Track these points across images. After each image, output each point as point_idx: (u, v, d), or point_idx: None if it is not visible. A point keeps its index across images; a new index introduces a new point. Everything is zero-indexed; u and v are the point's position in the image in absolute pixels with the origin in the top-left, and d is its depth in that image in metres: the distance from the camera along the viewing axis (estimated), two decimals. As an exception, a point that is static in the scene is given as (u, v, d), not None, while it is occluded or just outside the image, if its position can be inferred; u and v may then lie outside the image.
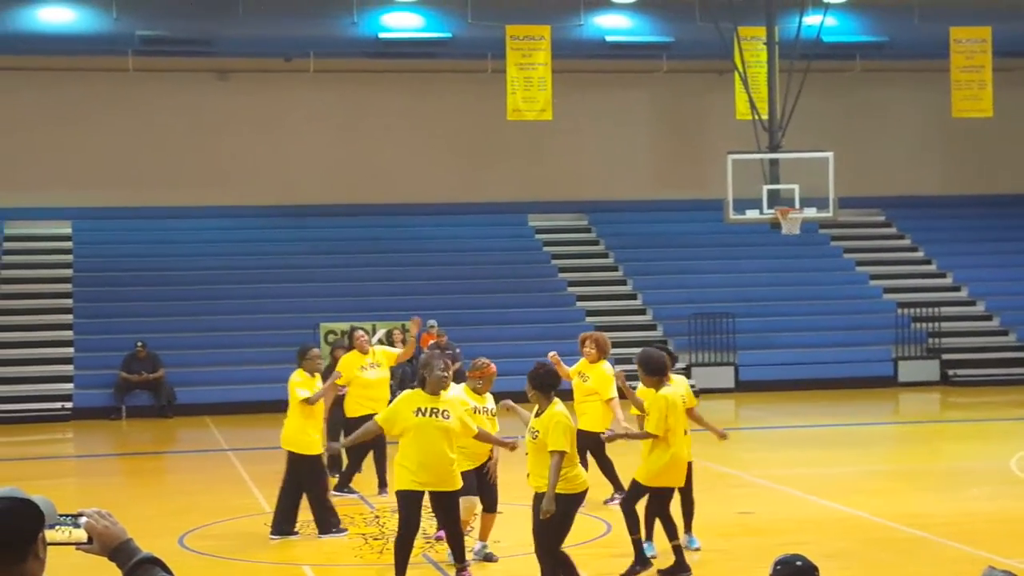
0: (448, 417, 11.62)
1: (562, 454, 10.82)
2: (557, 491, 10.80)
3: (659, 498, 12.62)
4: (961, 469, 19.79)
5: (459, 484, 11.84)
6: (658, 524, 12.73)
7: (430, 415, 11.53)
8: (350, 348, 17.93)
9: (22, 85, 33.19)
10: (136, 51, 30.36)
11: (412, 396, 11.77)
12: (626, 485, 13.43)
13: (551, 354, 14.54)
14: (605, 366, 15.88)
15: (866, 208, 36.40)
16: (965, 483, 18.04)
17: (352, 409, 17.10)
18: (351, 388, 17.22)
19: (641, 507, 12.61)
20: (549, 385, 11.16)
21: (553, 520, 10.87)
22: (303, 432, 14.71)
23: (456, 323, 28.80)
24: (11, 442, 25.62)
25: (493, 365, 13.55)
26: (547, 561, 11.13)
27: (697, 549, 13.47)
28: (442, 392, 11.73)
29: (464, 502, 13.15)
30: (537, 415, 11.13)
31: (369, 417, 15.41)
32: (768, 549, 13.22)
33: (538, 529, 11.13)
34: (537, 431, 11.02)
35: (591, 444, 15.78)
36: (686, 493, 13.56)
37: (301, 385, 14.78)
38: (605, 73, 35.06)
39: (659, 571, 12.46)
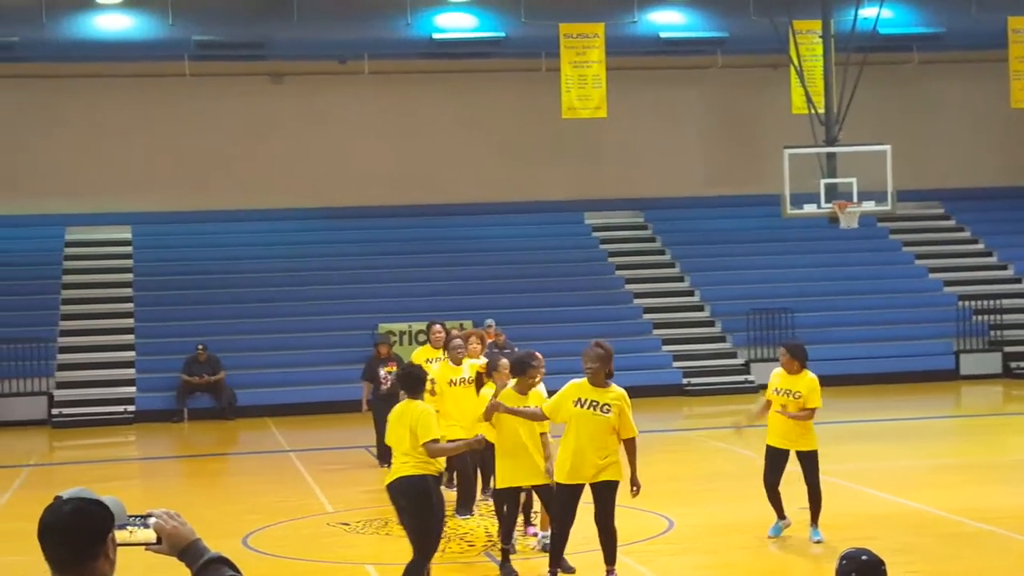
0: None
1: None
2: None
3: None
4: (1026, 462, 19.64)
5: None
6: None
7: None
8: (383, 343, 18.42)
9: (80, 92, 33.40)
10: (192, 56, 30.56)
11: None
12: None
13: None
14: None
15: (925, 201, 36.08)
16: (1031, 476, 17.90)
17: None
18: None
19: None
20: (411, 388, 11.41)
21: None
22: None
23: (513, 322, 28.74)
24: (75, 445, 25.88)
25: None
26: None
27: (819, 541, 13.52)
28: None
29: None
30: None
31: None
32: (833, 544, 13.17)
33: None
34: None
35: None
36: (813, 486, 13.57)
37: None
38: (659, 70, 34.94)
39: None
